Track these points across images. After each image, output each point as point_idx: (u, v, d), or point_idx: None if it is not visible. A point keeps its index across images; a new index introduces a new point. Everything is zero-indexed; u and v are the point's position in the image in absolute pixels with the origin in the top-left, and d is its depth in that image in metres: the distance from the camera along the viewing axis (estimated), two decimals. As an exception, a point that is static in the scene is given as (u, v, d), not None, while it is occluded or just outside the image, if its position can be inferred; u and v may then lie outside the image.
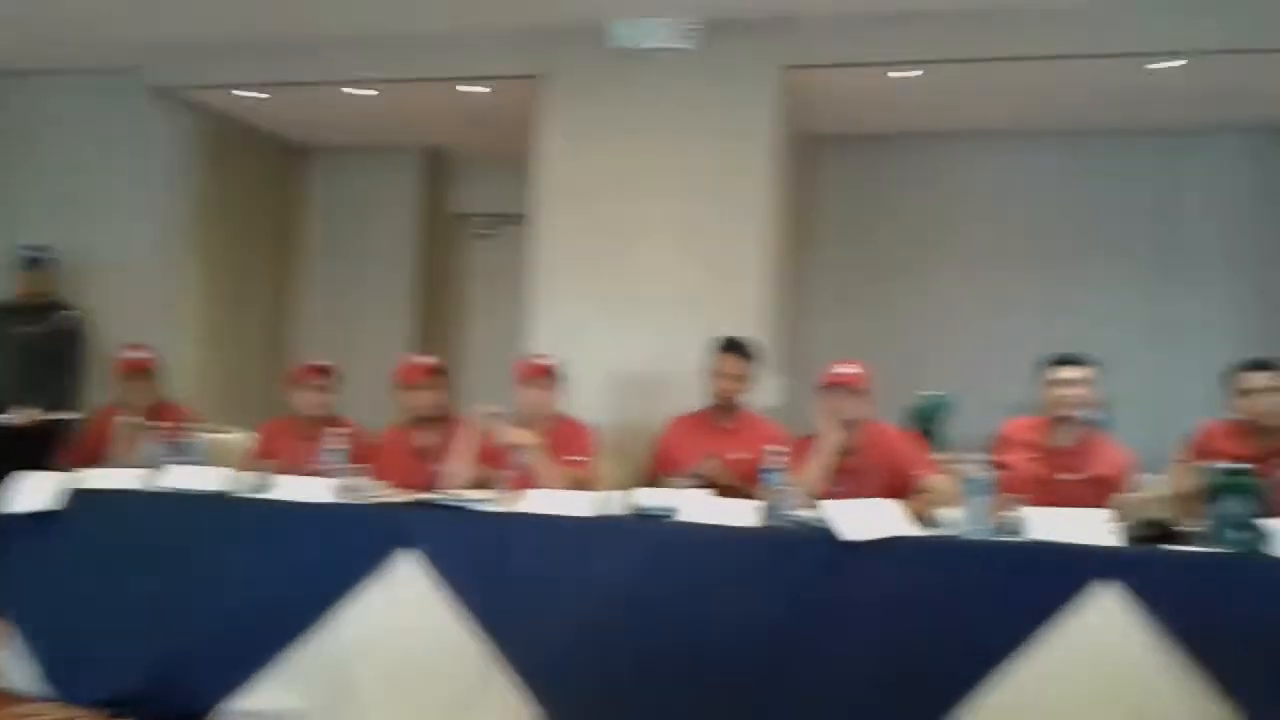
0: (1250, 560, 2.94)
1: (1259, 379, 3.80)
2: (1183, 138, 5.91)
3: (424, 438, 4.20)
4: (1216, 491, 3.05)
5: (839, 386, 3.86)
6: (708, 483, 3.70)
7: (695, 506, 3.37)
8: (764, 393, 4.95)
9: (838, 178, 6.34)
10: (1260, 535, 2.97)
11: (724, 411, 4.24)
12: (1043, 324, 5.94)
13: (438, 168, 7.17)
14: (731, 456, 4.02)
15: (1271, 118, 5.64)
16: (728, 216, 5.10)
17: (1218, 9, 4.55)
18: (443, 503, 3.56)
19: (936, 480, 3.76)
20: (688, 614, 3.18)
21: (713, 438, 4.17)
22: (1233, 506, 3.00)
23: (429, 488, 3.79)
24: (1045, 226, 6.10)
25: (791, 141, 5.45)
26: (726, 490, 3.61)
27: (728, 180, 5.10)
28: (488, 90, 5.57)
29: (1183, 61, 4.70)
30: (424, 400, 4.20)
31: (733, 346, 4.24)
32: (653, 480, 3.91)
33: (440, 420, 4.21)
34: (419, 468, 4.05)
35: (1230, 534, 2.98)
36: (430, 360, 4.35)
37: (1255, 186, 5.87)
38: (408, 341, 6.72)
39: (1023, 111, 5.70)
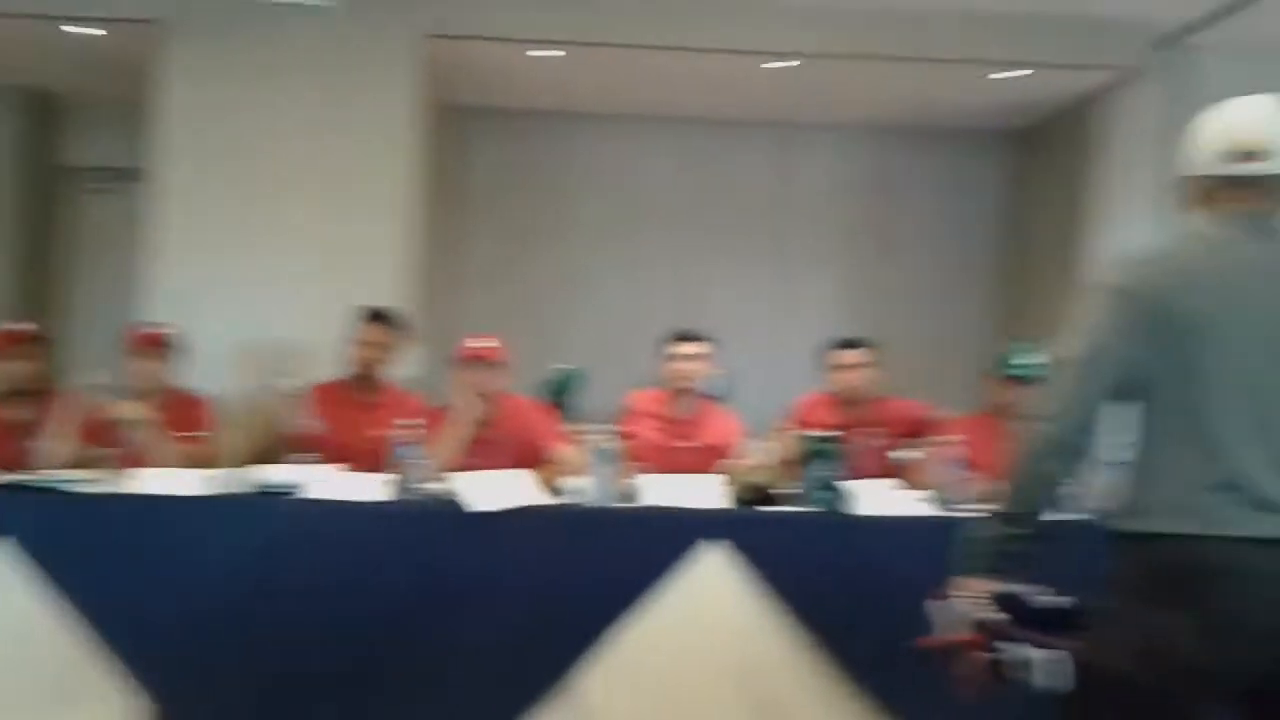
0: (832, 518, 3.28)
1: (848, 356, 4.22)
2: (797, 132, 6.43)
3: (17, 412, 3.80)
4: (808, 457, 3.36)
5: (475, 360, 3.89)
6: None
7: (321, 482, 3.29)
8: (405, 364, 4.90)
9: (483, 151, 6.36)
10: (841, 496, 3.32)
11: (365, 382, 4.14)
12: (673, 301, 6.29)
13: (44, 113, 6.46)
14: (373, 432, 3.95)
15: (874, 118, 6.25)
16: (368, 183, 4.99)
17: (821, 16, 4.94)
18: (37, 484, 3.25)
19: (566, 451, 3.88)
20: (313, 593, 3.11)
21: (353, 410, 4.07)
22: (821, 470, 3.33)
23: (22, 468, 3.45)
24: (677, 208, 6.43)
25: (437, 111, 5.41)
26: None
27: (369, 146, 4.98)
28: (102, 32, 5.10)
29: (796, 63, 5.09)
30: (17, 371, 3.81)
31: (377, 316, 4.16)
32: (281, 455, 3.78)
33: (36, 393, 3.83)
34: (10, 446, 3.66)
35: (818, 495, 3.31)
36: (26, 327, 3.95)
37: (861, 180, 6.49)
38: (3, 307, 6.04)
39: (656, 97, 5.96)
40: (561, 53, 5.14)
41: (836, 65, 5.16)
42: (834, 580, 3.18)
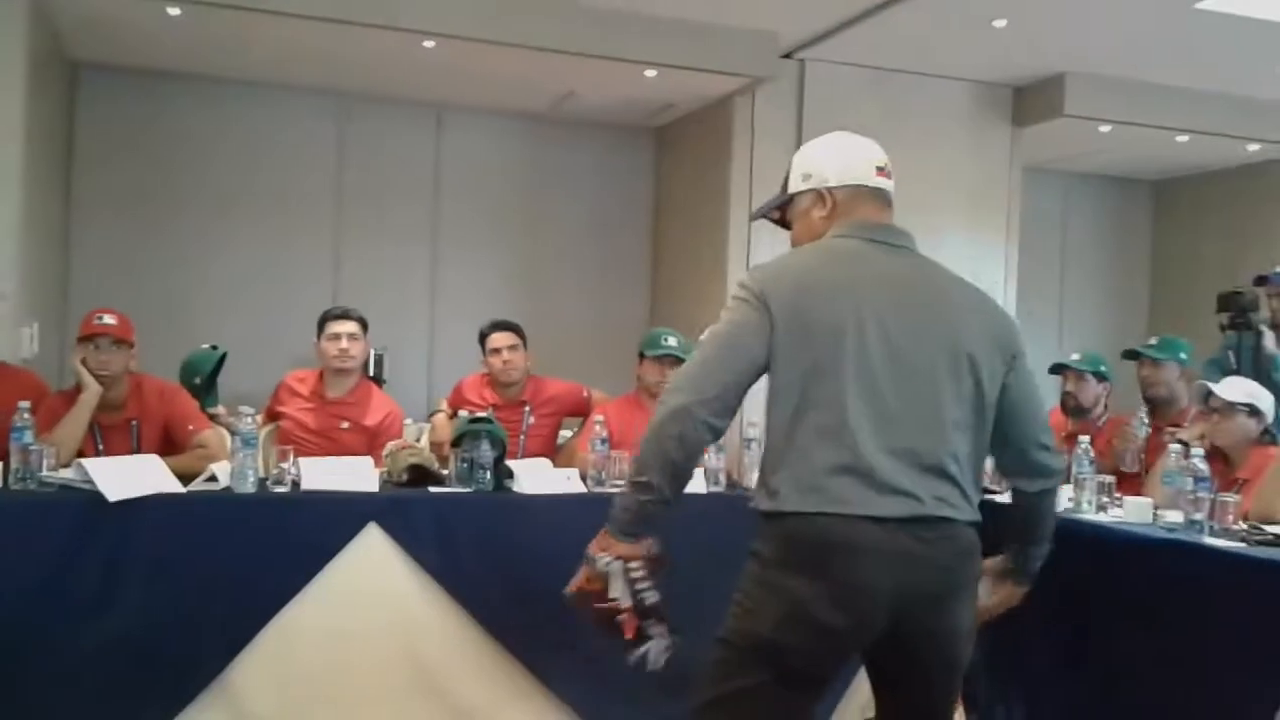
0: (489, 497, 3.32)
1: (500, 338, 4.30)
2: (448, 113, 6.39)
3: None
4: (465, 437, 3.39)
5: (98, 336, 3.56)
6: None
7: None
8: (18, 342, 4.44)
9: (111, 113, 5.78)
10: (500, 474, 3.38)
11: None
12: (332, 279, 6.11)
13: None
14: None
15: (525, 107, 6.34)
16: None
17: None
18: None
19: (208, 435, 3.67)
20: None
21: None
22: (479, 450, 3.36)
23: None
24: (328, 184, 6.19)
25: (50, 68, 4.90)
26: None
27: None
28: None
29: (432, 43, 5.04)
30: None
31: None
32: None
33: None
34: None
35: (474, 475, 3.34)
36: None
37: (514, 167, 6.55)
38: None
39: (300, 68, 5.69)
40: (177, 11, 4.75)
41: (478, 50, 5.11)
42: (492, 559, 3.23)
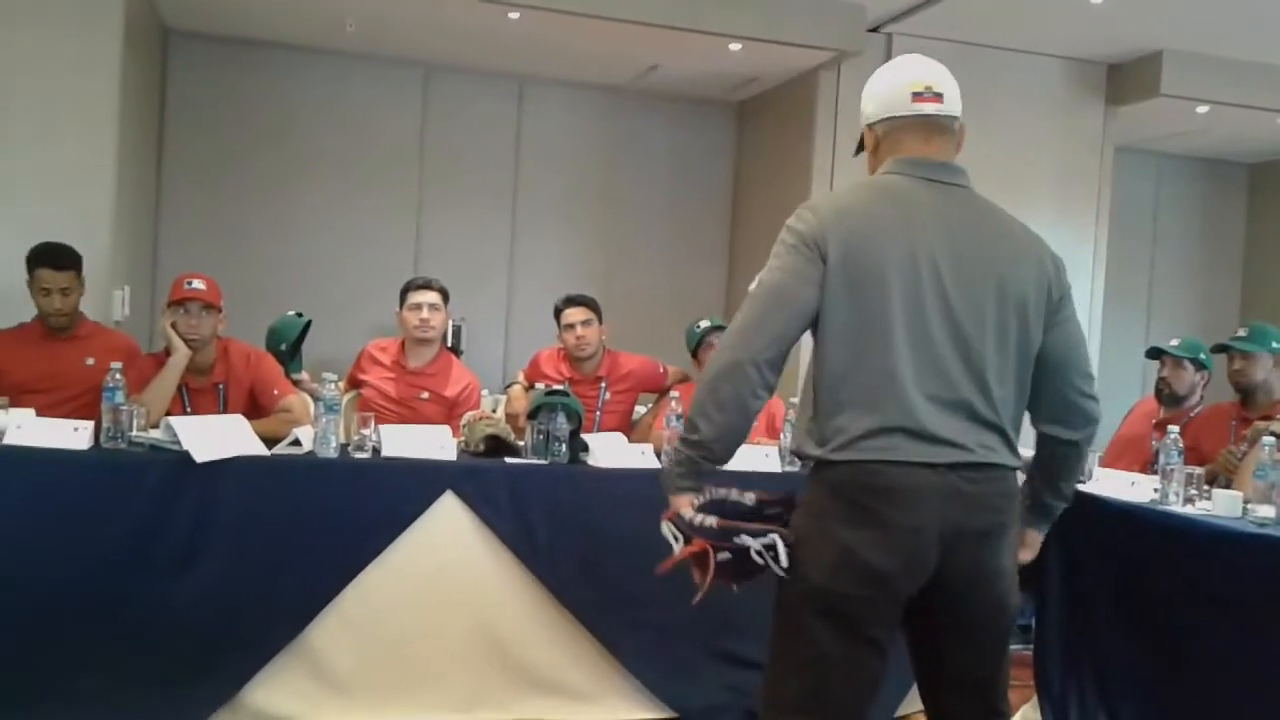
0: (564, 469, 3.35)
1: (574, 312, 4.30)
2: (530, 85, 6.40)
3: None
4: (541, 409, 3.41)
5: (188, 301, 3.64)
6: None
7: (19, 427, 3.01)
8: (109, 305, 4.56)
9: (201, 80, 5.90)
10: (576, 447, 3.40)
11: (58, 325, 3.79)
12: (413, 249, 6.17)
13: None
14: (71, 374, 3.64)
15: (599, 78, 6.32)
16: (68, 112, 4.53)
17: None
18: None
19: (292, 400, 3.75)
20: (9, 550, 2.85)
21: (50, 351, 3.72)
22: (555, 423, 3.38)
23: None
24: (408, 155, 6.24)
25: (145, 34, 5.00)
26: None
27: (70, 71, 4.52)
28: None
29: (517, 15, 5.05)
30: None
31: (51, 258, 3.77)
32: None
33: None
34: None
35: (552, 447, 3.36)
36: None
37: (592, 138, 6.55)
38: None
39: (386, 38, 5.75)
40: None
41: (562, 21, 5.10)
42: (565, 530, 3.26)
